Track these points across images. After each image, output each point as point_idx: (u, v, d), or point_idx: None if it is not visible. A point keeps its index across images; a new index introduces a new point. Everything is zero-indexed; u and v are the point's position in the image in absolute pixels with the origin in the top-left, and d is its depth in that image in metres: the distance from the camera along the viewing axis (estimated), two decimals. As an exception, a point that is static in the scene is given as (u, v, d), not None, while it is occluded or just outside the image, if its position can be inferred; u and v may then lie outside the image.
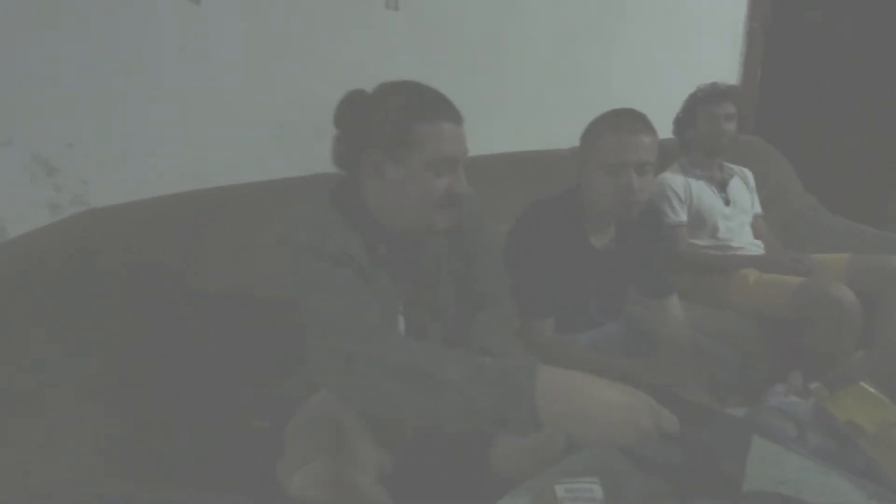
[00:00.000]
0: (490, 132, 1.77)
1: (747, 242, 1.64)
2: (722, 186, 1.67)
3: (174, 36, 1.31)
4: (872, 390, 0.76)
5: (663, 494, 0.63)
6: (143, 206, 1.25)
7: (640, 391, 0.58)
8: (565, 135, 1.73)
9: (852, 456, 0.67)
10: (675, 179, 1.60)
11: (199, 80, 1.36)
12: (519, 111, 1.80)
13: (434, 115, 0.77)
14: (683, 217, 1.58)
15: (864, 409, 0.72)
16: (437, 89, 0.82)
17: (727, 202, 1.65)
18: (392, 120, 0.74)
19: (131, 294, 1.11)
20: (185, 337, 1.13)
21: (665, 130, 1.71)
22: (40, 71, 1.22)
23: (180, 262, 1.20)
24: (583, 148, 1.08)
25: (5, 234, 1.25)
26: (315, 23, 1.45)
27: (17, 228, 1.18)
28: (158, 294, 1.15)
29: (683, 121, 1.67)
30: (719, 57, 2.11)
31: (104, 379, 0.95)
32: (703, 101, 1.63)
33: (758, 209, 1.74)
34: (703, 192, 1.62)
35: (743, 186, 1.71)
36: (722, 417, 0.71)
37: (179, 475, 0.86)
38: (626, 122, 1.03)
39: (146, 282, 1.15)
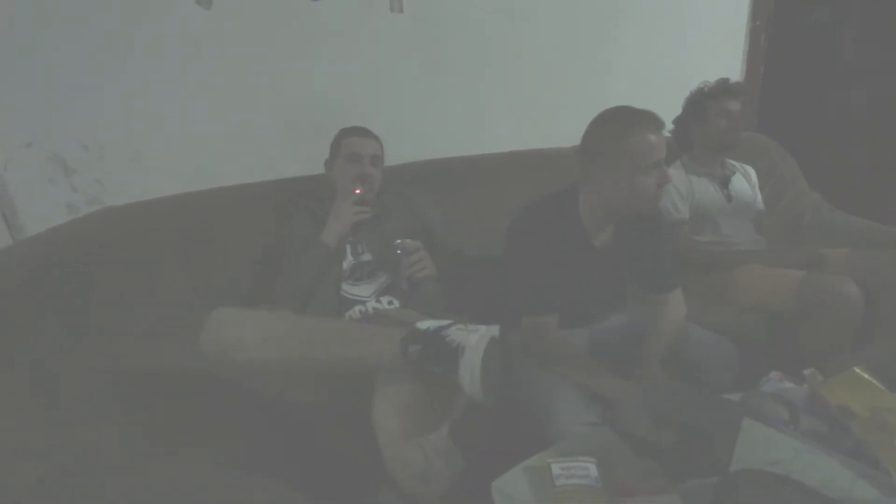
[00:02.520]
0: (492, 131, 1.80)
1: (749, 239, 1.64)
2: (724, 183, 1.67)
3: (186, 40, 1.36)
4: (866, 376, 0.77)
5: (655, 474, 0.65)
6: (157, 204, 1.30)
7: None
8: (567, 134, 1.75)
9: (842, 438, 0.69)
10: (677, 177, 1.60)
11: (210, 83, 1.41)
12: (521, 111, 1.83)
13: (350, 132, 1.33)
14: (685, 214, 1.59)
15: (856, 395, 0.73)
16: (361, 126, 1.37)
17: (729, 199, 1.65)
18: (335, 140, 1.35)
19: (146, 289, 1.16)
20: (195, 329, 1.16)
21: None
22: (57, 76, 1.27)
23: (192, 258, 1.24)
24: (609, 149, 1.02)
25: (24, 233, 1.30)
26: (322, 26, 1.49)
27: (35, 227, 1.23)
28: (171, 289, 1.19)
29: (691, 117, 1.64)
30: (722, 55, 2.12)
31: (117, 366, 0.98)
32: (713, 97, 1.60)
33: (760, 206, 1.74)
34: (706, 189, 1.63)
35: (745, 183, 1.71)
36: (715, 401, 0.73)
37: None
38: (650, 120, 1.02)
39: (160, 277, 1.19)
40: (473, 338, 0.79)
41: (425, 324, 0.86)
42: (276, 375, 0.92)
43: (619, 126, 1.02)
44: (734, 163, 1.73)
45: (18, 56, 1.23)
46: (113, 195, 1.35)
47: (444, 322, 0.85)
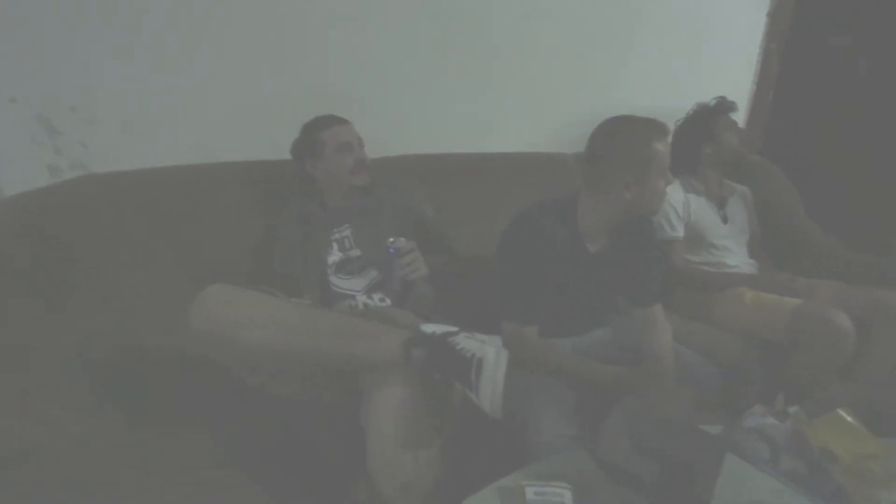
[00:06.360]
0: (499, 131, 1.76)
1: (743, 261, 1.63)
2: (721, 204, 1.66)
3: (189, 9, 1.30)
4: (850, 419, 0.76)
5: (632, 505, 0.64)
6: (145, 174, 1.25)
7: None
8: (574, 141, 1.71)
9: (822, 482, 0.68)
10: (674, 195, 1.58)
11: (215, 59, 1.35)
12: (530, 114, 1.79)
13: (326, 123, 1.27)
14: (680, 232, 1.58)
15: (839, 438, 0.73)
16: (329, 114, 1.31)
17: (725, 220, 1.64)
18: (309, 137, 1.28)
19: (127, 263, 1.12)
20: (173, 308, 1.13)
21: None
22: (48, 31, 1.21)
23: (179, 234, 1.20)
24: (634, 155, 1.04)
25: (2, 194, 1.25)
26: (333, 9, 1.43)
27: (14, 188, 1.18)
28: (155, 264, 1.15)
29: (699, 136, 1.61)
30: (733, 75, 2.09)
31: (93, 343, 0.95)
32: (719, 113, 1.61)
33: (755, 229, 1.73)
34: (702, 209, 1.62)
35: (741, 205, 1.71)
36: (698, 434, 0.71)
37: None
38: (663, 127, 1.07)
39: (143, 251, 1.15)
40: (491, 352, 0.76)
41: (430, 327, 0.83)
42: (270, 361, 0.88)
43: (642, 133, 1.05)
44: (732, 184, 1.72)
45: (7, 6, 1.17)
46: (99, 161, 1.30)
47: (451, 328, 0.83)
